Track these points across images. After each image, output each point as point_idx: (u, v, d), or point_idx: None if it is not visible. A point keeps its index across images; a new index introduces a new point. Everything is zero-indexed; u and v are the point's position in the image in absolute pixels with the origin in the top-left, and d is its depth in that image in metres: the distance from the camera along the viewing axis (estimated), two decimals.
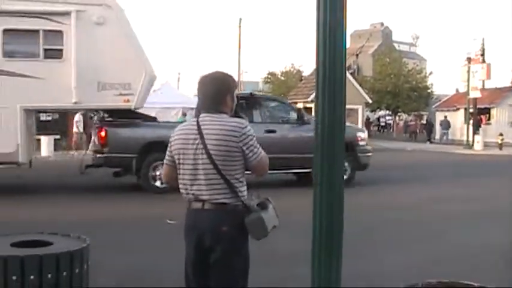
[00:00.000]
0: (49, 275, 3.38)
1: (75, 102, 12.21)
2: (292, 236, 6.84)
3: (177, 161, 3.49)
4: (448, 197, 12.43)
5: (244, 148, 3.36)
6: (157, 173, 12.30)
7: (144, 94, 12.73)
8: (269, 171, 3.66)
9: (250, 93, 15.27)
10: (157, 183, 12.46)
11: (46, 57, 12.13)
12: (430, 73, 50.36)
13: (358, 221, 8.26)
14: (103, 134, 12.48)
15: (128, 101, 12.39)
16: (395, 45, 77.92)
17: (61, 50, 12.16)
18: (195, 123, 3.44)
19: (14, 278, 3.33)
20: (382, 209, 10.94)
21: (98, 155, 12.78)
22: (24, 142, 12.21)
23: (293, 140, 13.43)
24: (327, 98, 2.90)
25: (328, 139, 2.93)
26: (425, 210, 11.06)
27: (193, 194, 3.41)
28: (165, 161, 3.64)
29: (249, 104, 13.46)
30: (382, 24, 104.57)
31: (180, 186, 3.50)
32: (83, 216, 9.64)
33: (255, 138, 3.42)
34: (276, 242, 5.20)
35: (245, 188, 3.45)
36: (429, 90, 48.07)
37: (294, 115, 14.12)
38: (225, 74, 3.58)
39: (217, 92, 3.45)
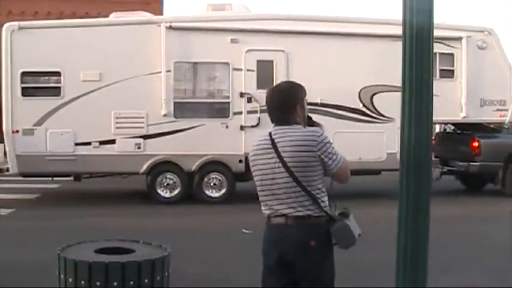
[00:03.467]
0: (131, 282, 3.43)
1: (464, 117, 13.84)
2: None
3: (255, 177, 3.48)
4: None
5: (323, 157, 3.31)
6: None
7: None
8: None
9: None
10: None
11: (441, 76, 13.57)
12: None
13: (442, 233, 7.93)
14: (476, 144, 13.98)
15: (503, 116, 13.95)
16: None
17: (452, 71, 13.93)
18: (268, 137, 3.42)
19: (98, 283, 3.41)
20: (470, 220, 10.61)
21: (471, 164, 14.03)
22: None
23: None
24: (413, 109, 2.78)
25: (414, 150, 2.80)
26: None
27: (274, 209, 3.38)
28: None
29: None
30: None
31: (261, 201, 3.48)
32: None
33: (333, 145, 3.35)
34: None
35: (326, 197, 3.40)
36: None
37: None
38: (292, 83, 3.56)
39: (286, 104, 3.40)
